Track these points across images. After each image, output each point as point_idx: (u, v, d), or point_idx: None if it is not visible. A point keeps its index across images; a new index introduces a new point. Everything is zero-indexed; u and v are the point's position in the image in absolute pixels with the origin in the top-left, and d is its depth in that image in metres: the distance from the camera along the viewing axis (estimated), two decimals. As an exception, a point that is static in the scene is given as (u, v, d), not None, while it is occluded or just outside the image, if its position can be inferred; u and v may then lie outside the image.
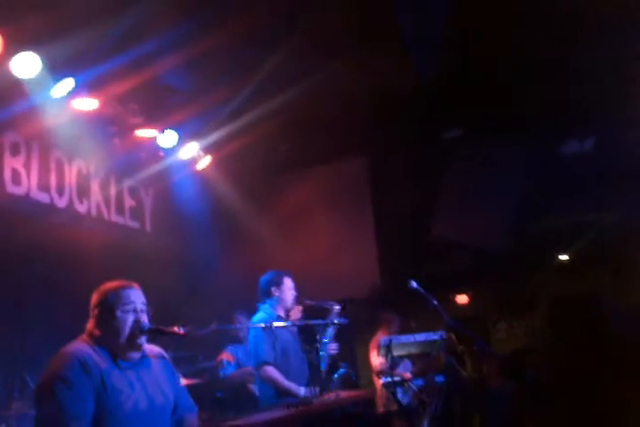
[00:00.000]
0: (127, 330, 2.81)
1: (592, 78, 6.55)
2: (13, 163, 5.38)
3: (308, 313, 5.21)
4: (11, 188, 5.32)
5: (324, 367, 4.69)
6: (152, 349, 3.02)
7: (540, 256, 9.85)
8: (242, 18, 5.10)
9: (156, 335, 2.91)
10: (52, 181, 5.80)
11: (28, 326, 5.43)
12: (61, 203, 5.89)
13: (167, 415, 2.89)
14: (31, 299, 5.60)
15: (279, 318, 4.77)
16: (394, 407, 6.25)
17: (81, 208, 6.14)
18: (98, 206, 6.38)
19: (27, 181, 5.49)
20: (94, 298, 2.90)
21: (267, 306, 4.89)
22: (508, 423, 6.99)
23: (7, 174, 5.30)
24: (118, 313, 2.81)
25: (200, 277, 7.41)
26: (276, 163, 8.15)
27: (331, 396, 3.39)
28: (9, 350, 5.24)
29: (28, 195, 5.50)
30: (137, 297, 2.90)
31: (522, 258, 9.39)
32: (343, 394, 3.39)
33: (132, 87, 5.61)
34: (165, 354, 3.07)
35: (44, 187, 5.68)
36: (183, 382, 4.99)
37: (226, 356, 6.23)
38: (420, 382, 6.13)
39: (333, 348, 4.93)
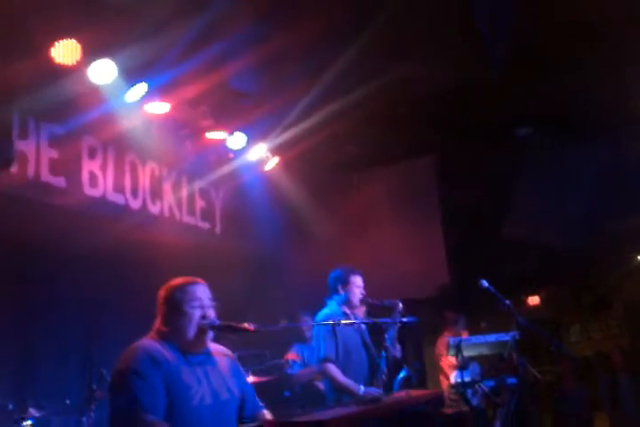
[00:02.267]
0: (195, 325, 2.85)
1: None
2: (91, 166, 5.58)
3: (375, 312, 5.17)
4: (88, 190, 5.52)
5: (384, 368, 4.65)
6: (217, 347, 3.06)
7: (616, 257, 9.56)
8: (310, 20, 5.15)
9: (227, 331, 2.96)
10: (127, 183, 5.98)
11: (103, 323, 5.64)
12: (135, 204, 6.06)
13: (232, 411, 2.92)
14: (107, 297, 5.81)
15: (344, 315, 4.76)
16: (464, 408, 6.17)
17: (154, 209, 6.31)
18: (170, 207, 6.54)
19: (103, 183, 5.68)
20: (161, 295, 2.95)
21: (333, 302, 4.89)
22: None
23: (85, 177, 5.49)
24: (186, 309, 2.85)
25: (269, 277, 7.50)
26: (343, 163, 8.18)
27: (402, 394, 3.38)
28: (86, 345, 5.45)
29: (104, 197, 5.69)
30: (203, 293, 2.94)
31: (596, 259, 9.14)
32: (414, 393, 3.38)
33: (203, 90, 5.73)
34: (231, 353, 3.11)
35: (119, 189, 5.86)
36: (251, 379, 5.07)
37: (292, 356, 6.27)
38: (491, 383, 6.02)
39: (396, 350, 4.89)
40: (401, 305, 4.81)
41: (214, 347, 3.03)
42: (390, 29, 5.43)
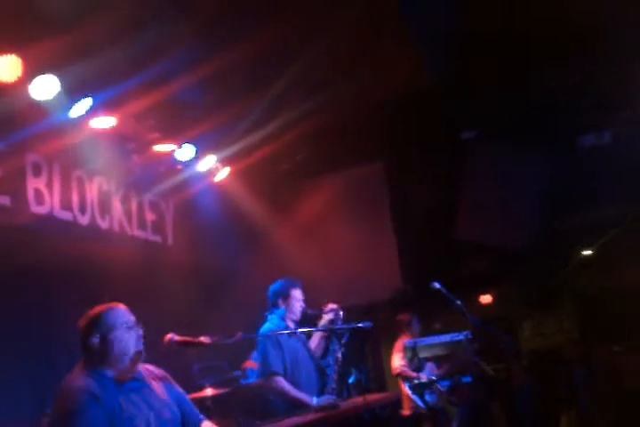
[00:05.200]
0: (131, 349, 2.81)
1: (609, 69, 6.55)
2: (36, 183, 5.48)
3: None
4: (34, 207, 5.42)
5: (333, 375, 4.63)
6: (147, 367, 3.01)
7: (564, 253, 9.80)
8: (256, 34, 5.19)
9: (183, 346, 2.96)
10: (74, 198, 5.88)
11: (54, 345, 5.51)
12: (84, 220, 5.97)
13: None
14: (57, 316, 5.69)
15: (287, 329, 4.70)
16: (422, 410, 6.26)
17: (103, 224, 6.22)
18: (120, 222, 6.46)
19: (49, 200, 5.59)
20: (85, 325, 2.84)
21: (274, 316, 4.85)
22: (536, 422, 6.97)
23: (30, 195, 5.39)
24: (119, 333, 2.80)
25: (224, 287, 7.48)
26: (293, 171, 8.22)
27: (358, 399, 3.42)
28: (37, 364, 5.33)
29: (51, 214, 5.60)
30: (127, 316, 2.88)
31: (545, 255, 9.35)
32: (370, 397, 3.42)
33: (149, 104, 5.70)
34: (159, 370, 3.05)
35: (66, 205, 5.76)
36: (209, 391, 5.04)
37: (249, 364, 6.23)
38: (447, 383, 6.13)
39: (338, 355, 4.89)
40: (341, 313, 4.82)
41: (143, 368, 2.97)
42: (334, 42, 5.52)
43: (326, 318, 4.81)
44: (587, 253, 10.14)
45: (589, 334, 9.71)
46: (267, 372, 4.61)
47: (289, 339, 4.60)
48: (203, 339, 2.98)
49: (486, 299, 10.56)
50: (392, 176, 8.44)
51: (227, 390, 5.58)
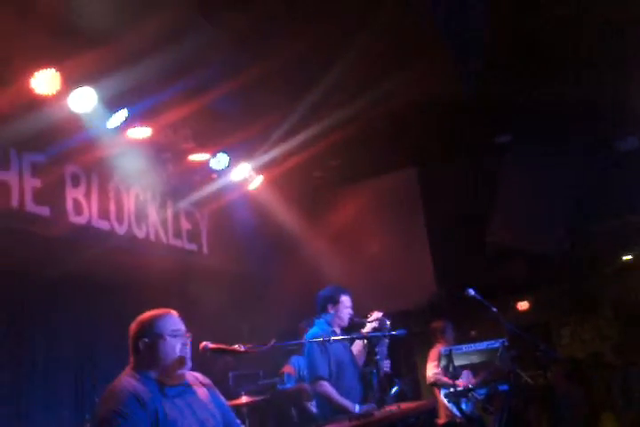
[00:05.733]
0: (174, 356, 2.85)
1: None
2: (75, 193, 5.60)
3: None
4: (73, 217, 5.53)
5: (376, 384, 4.62)
6: (194, 375, 3.06)
7: (602, 258, 9.65)
8: (289, 44, 5.24)
9: (217, 353, 3.00)
10: (112, 208, 5.99)
11: (95, 351, 5.62)
12: (121, 229, 6.08)
13: None
14: (98, 324, 5.81)
15: (334, 334, 4.71)
16: (458, 418, 6.20)
17: (140, 233, 6.32)
18: (156, 231, 6.56)
19: (87, 210, 5.70)
20: (133, 329, 2.92)
21: (322, 321, 4.88)
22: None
23: (69, 205, 5.51)
24: (167, 339, 2.85)
25: (258, 294, 7.53)
26: (327, 179, 8.25)
27: (392, 408, 3.41)
28: (78, 374, 5.42)
29: (89, 223, 5.70)
30: (176, 323, 2.94)
31: (583, 260, 9.23)
32: (404, 406, 3.40)
33: (184, 114, 5.78)
34: (206, 379, 3.11)
35: (104, 215, 5.87)
36: (244, 399, 5.07)
37: (287, 369, 6.22)
38: (483, 391, 6.06)
39: (386, 365, 4.89)
40: (388, 322, 4.81)
41: (190, 375, 3.02)
42: (366, 51, 5.53)
43: (370, 326, 4.81)
44: (626, 257, 9.98)
45: (629, 340, 9.54)
46: (313, 376, 4.62)
47: (335, 344, 4.60)
48: (237, 347, 3.00)
49: (523, 305, 10.45)
50: (425, 182, 8.41)
51: (262, 397, 5.61)
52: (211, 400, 3.00)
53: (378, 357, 4.53)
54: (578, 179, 8.11)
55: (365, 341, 4.72)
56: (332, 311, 4.86)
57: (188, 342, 2.93)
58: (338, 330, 4.86)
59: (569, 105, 6.91)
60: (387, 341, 4.67)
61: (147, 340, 2.86)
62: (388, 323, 4.75)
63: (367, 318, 4.85)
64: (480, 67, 6.15)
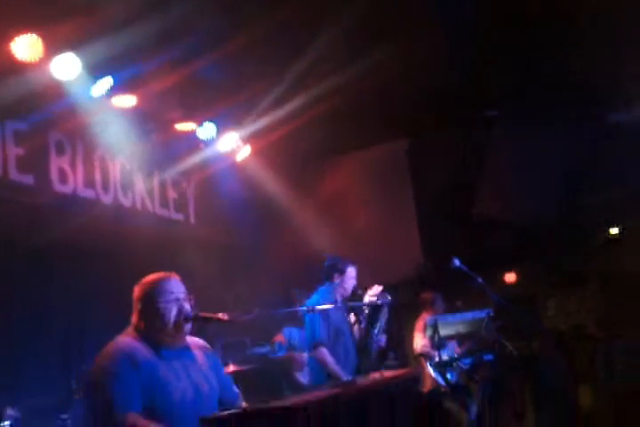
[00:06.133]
0: (172, 319, 2.88)
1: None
2: (59, 162, 5.54)
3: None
4: (58, 186, 5.49)
5: (372, 355, 4.71)
6: (194, 340, 3.09)
7: (589, 230, 9.68)
8: (277, 11, 5.16)
9: (201, 322, 3.00)
10: (97, 177, 5.95)
11: (82, 319, 5.62)
12: (107, 198, 6.05)
13: (214, 403, 2.95)
14: (87, 291, 5.80)
15: (335, 303, 4.80)
16: (442, 387, 6.27)
17: (126, 202, 6.29)
18: (142, 200, 6.53)
19: (73, 178, 5.65)
20: (136, 292, 2.97)
21: (325, 289, 4.95)
22: (561, 399, 6.94)
23: (54, 174, 5.46)
24: (162, 303, 2.88)
25: (245, 264, 7.53)
26: (315, 150, 8.20)
27: (375, 375, 3.44)
28: (65, 341, 5.43)
29: (75, 192, 5.67)
30: (177, 287, 2.97)
31: (570, 233, 9.25)
32: (388, 373, 3.43)
33: (170, 83, 5.72)
34: (207, 345, 3.15)
35: (89, 184, 5.83)
36: (231, 368, 5.11)
37: (279, 338, 6.28)
38: (468, 360, 6.12)
39: (382, 339, 4.95)
40: (389, 296, 4.88)
41: (191, 340, 3.05)
42: (358, 22, 5.46)
43: (369, 299, 4.87)
44: (613, 231, 10.01)
45: (614, 312, 9.63)
46: (313, 341, 4.70)
47: (336, 312, 4.69)
48: (221, 315, 3.00)
49: (510, 278, 10.50)
50: (413, 154, 8.38)
51: (250, 366, 5.64)
52: (208, 366, 3.02)
53: (376, 330, 4.61)
54: (567, 151, 8.09)
55: (366, 310, 4.80)
56: (337, 281, 4.94)
57: (188, 305, 2.94)
58: (339, 299, 4.91)
59: (559, 77, 6.87)
60: (386, 316, 4.73)
61: (148, 302, 2.90)
62: (389, 297, 4.81)
63: (366, 291, 4.91)
64: (469, 44, 6.09)
